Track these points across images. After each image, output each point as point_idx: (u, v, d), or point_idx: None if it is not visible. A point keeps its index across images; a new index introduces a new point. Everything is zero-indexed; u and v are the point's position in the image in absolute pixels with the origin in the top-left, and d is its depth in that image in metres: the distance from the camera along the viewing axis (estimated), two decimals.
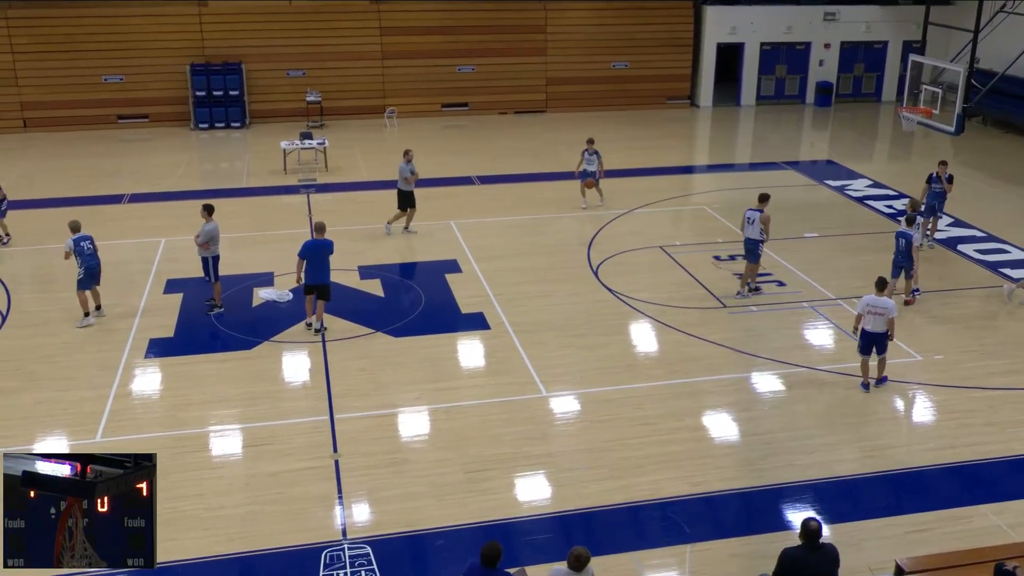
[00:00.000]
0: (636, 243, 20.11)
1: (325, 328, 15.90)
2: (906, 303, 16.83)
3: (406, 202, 20.48)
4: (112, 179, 25.38)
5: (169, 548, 10.41)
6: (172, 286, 17.79)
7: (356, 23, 32.62)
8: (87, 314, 16.08)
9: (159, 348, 15.35)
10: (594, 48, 34.56)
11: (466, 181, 25.52)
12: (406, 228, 20.71)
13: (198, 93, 31.48)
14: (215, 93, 31.52)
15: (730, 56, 35.93)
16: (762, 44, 35.54)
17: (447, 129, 32.31)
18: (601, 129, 31.05)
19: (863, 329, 13.66)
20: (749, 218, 16.90)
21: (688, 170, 28.25)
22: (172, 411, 13.46)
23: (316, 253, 15.54)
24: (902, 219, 17.87)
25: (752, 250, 17.01)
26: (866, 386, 13.95)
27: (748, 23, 35.08)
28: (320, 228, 15.78)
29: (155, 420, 13.23)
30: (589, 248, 19.87)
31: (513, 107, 34.60)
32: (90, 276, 16.02)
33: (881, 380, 14.07)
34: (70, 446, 12.52)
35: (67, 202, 23.23)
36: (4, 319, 16.34)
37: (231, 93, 31.63)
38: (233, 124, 31.91)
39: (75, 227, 16.15)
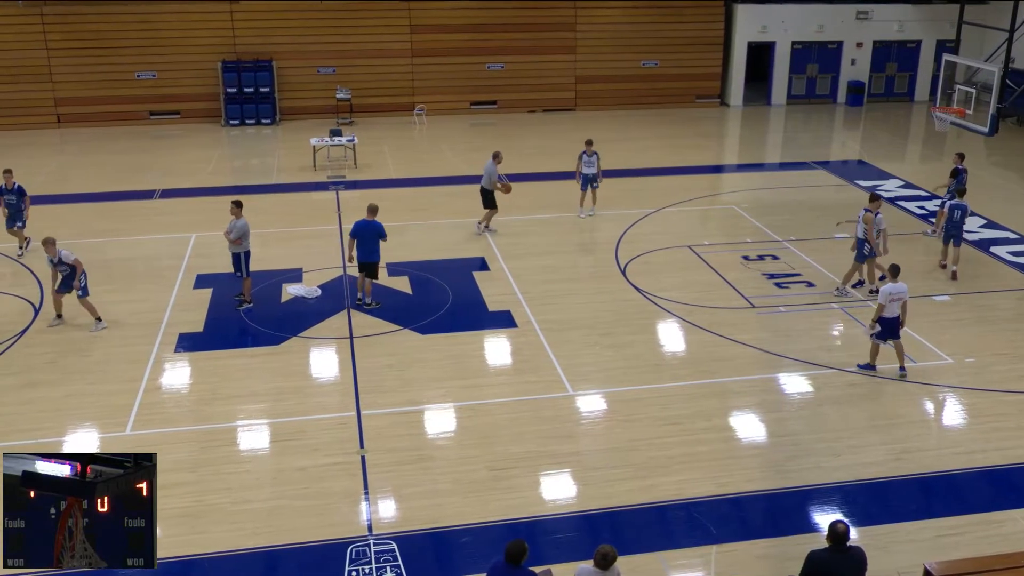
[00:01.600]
0: (664, 242, 20.03)
1: (375, 304, 16.48)
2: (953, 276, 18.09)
3: (488, 201, 20.53)
4: (144, 175, 25.62)
5: (196, 541, 10.52)
6: (202, 281, 17.93)
7: (386, 21, 32.73)
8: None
9: (188, 343, 15.47)
10: (624, 46, 34.48)
11: None
12: (486, 227, 20.75)
13: (229, 90, 31.71)
14: (246, 90, 31.74)
15: (761, 55, 35.73)
16: (793, 43, 35.32)
17: (475, 127, 32.35)
18: (630, 127, 31.07)
19: (883, 317, 13.98)
20: (858, 217, 17.05)
21: (717, 169, 28.11)
22: (201, 405, 13.57)
23: (365, 233, 16.31)
24: (953, 192, 19.10)
25: (859, 249, 17.03)
26: (869, 366, 14.49)
27: (779, 21, 34.86)
28: (372, 210, 16.49)
29: (184, 414, 13.35)
30: (617, 247, 19.82)
31: (542, 105, 34.57)
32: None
33: (902, 369, 14.37)
34: (100, 439, 12.66)
35: (100, 197, 23.50)
36: (36, 313, 16.53)
37: (262, 90, 31.84)
38: (264, 121, 32.11)
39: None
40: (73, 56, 31.08)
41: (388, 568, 10.14)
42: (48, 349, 15.21)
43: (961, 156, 20.49)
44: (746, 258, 19.17)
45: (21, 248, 19.07)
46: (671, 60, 34.91)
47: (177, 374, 14.53)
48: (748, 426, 13.16)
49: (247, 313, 16.54)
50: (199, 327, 16.07)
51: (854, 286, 17.48)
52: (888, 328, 14.08)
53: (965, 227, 18.49)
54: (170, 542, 10.50)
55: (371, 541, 10.55)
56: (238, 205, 16.50)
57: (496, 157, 20.48)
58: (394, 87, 33.43)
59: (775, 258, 19.21)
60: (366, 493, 11.43)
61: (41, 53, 30.84)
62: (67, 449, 12.37)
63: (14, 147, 28.79)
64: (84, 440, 12.63)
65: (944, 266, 18.49)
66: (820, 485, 11.67)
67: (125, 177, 25.45)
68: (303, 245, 19.93)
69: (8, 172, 17.28)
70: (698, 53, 35.09)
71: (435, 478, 11.74)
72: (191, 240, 20.16)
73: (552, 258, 19.41)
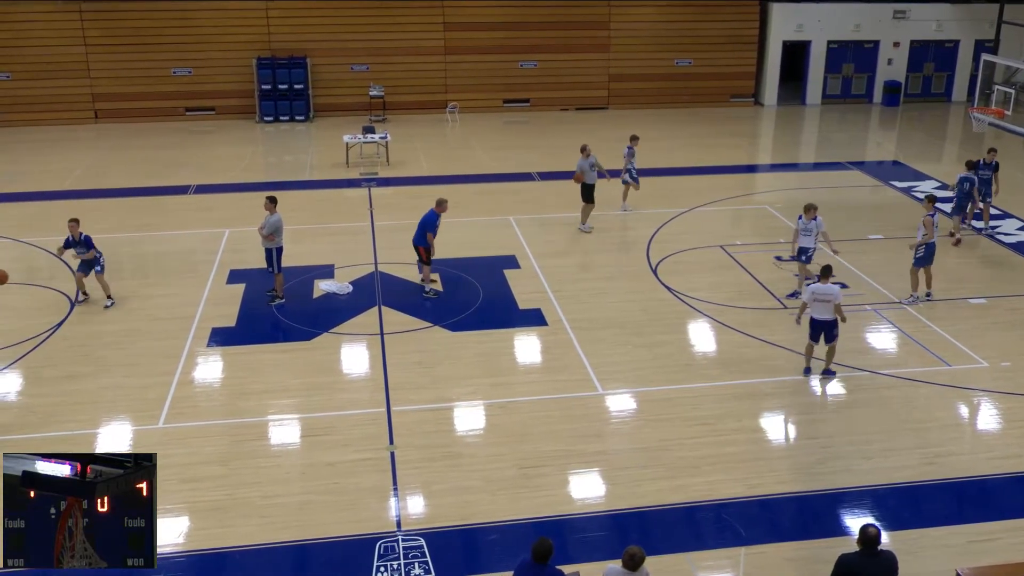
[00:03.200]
0: (696, 242, 19.94)
1: (428, 290, 17.09)
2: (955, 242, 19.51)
3: (586, 195, 20.61)
4: (178, 170, 25.88)
5: (226, 535, 10.62)
6: (235, 276, 18.08)
7: (420, 18, 32.84)
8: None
9: (221, 337, 15.61)
10: (658, 45, 34.37)
11: (526, 177, 25.55)
12: (582, 224, 20.85)
13: (264, 86, 31.95)
14: (280, 87, 31.97)
15: (796, 54, 35.46)
16: (829, 42, 35.03)
17: (508, 125, 32.37)
18: (663, 126, 30.97)
19: (812, 317, 13.96)
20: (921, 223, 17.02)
21: (751, 169, 27.94)
22: (232, 399, 13.69)
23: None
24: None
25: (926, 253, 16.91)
26: (808, 371, 14.31)
27: (815, 20, 34.59)
28: (439, 203, 17.06)
29: (216, 408, 13.47)
30: (648, 246, 19.76)
31: (575, 103, 34.53)
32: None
33: (828, 372, 14.29)
34: (133, 432, 12.80)
35: (135, 192, 23.76)
36: (73, 306, 16.75)
37: (296, 87, 32.05)
38: (297, 117, 32.33)
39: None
40: (111, 52, 31.46)
41: (416, 564, 10.17)
42: (84, 342, 15.41)
43: (993, 151, 20.72)
44: (779, 258, 19.04)
45: (81, 295, 17.07)
46: (705, 59, 34.74)
47: (209, 368, 14.67)
48: (778, 428, 13.10)
49: (279, 308, 16.67)
50: (232, 322, 16.20)
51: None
52: (815, 329, 14.00)
53: (997, 228, 18.35)
54: (201, 535, 10.62)
55: (399, 537, 10.60)
56: (272, 201, 16.61)
57: (584, 151, 20.69)
58: (427, 84, 33.53)
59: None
60: (395, 489, 11.48)
61: (79, 49, 31.24)
62: (102, 441, 12.54)
63: (52, 142, 29.23)
64: (118, 432, 12.77)
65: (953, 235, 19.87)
66: (851, 488, 11.58)
67: (160, 172, 25.72)
68: (335, 241, 20.05)
69: (74, 222, 16.48)
70: (732, 52, 34.90)
71: (464, 475, 11.77)
72: (225, 235, 20.33)
73: (583, 257, 19.39)
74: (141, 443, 12.48)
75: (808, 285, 14.40)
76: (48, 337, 15.52)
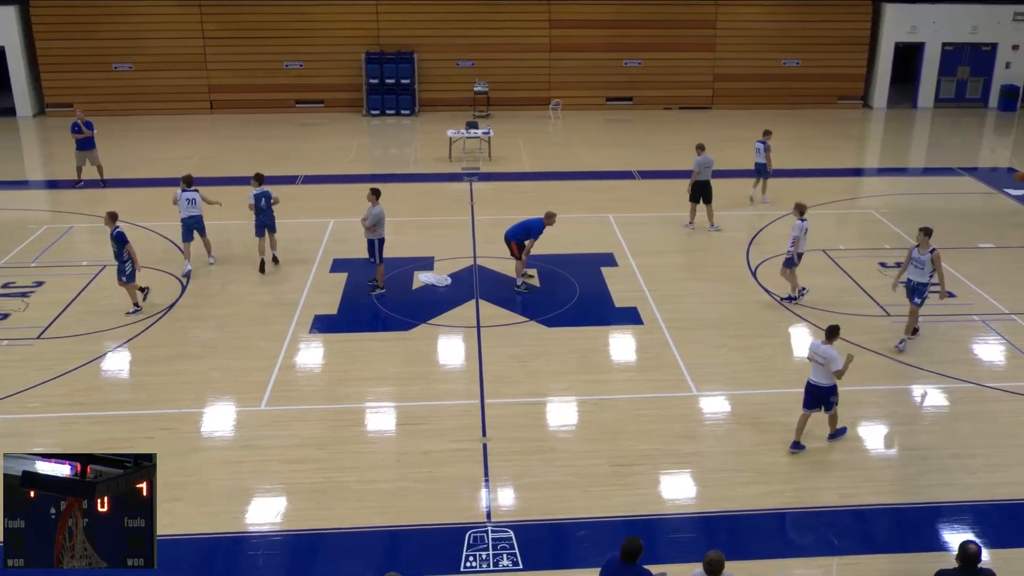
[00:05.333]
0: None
1: (520, 284, 17.26)
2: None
3: (699, 193, 20.59)
4: (287, 161, 26.58)
5: (323, 516, 10.93)
6: (338, 265, 18.52)
7: (526, 15, 33.02)
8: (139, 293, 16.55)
9: (323, 324, 16.02)
10: (765, 45, 33.86)
11: (627, 175, 25.49)
12: (710, 224, 20.79)
13: (371, 81, 32.58)
14: (387, 81, 32.56)
15: (908, 56, 34.48)
16: (944, 44, 33.98)
17: (610, 123, 32.31)
18: (768, 127, 30.42)
19: (808, 381, 12.22)
20: None
21: (857, 172, 27.31)
22: (332, 385, 14.05)
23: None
24: None
25: None
26: (797, 446, 12.23)
27: (930, 22, 33.59)
28: (548, 216, 17.12)
29: (316, 393, 13.84)
30: (749, 248, 19.53)
31: (678, 103, 34.27)
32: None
33: (835, 435, 12.52)
34: (237, 413, 13.25)
35: (246, 181, 24.42)
36: (184, 289, 17.39)
37: (403, 81, 32.59)
38: (403, 112, 32.86)
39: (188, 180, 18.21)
40: (227, 46, 32.50)
41: (505, 555, 10.31)
42: (193, 324, 16.00)
43: None
44: (883, 265, 18.61)
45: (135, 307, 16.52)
46: (813, 60, 34.07)
47: (311, 354, 15.07)
48: (877, 437, 12.82)
49: (379, 298, 17.01)
50: (333, 310, 16.61)
51: None
52: (810, 395, 12.18)
53: None
54: (299, 516, 10.96)
55: (489, 528, 10.74)
56: (375, 193, 16.95)
57: (699, 149, 20.55)
58: (531, 81, 33.70)
59: None
60: (487, 480, 11.64)
61: (198, 43, 32.35)
62: (207, 421, 13.03)
63: (170, 131, 30.35)
64: (222, 413, 13.25)
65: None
66: (951, 502, 11.29)
67: (270, 162, 26.39)
68: (436, 234, 20.35)
69: (110, 215, 16.27)
70: (842, 53, 34.13)
71: (555, 470, 11.85)
72: (329, 225, 20.83)
73: (681, 257, 19.28)
74: (244, 424, 12.93)
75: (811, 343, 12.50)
76: (160, 319, 16.16)
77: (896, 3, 33.56)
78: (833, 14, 33.66)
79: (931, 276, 14.80)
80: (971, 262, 18.72)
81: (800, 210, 16.56)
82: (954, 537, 10.48)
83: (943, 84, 34.58)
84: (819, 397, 12.11)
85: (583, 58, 33.50)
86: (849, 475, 11.80)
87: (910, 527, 10.95)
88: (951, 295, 17.18)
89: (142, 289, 16.65)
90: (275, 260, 18.52)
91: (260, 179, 18.46)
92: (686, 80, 34.10)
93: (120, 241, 15.95)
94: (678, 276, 18.18)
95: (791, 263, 16.53)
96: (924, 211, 22.43)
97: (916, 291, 14.95)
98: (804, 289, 16.96)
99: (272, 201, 18.12)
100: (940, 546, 10.53)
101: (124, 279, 16.18)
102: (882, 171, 27.76)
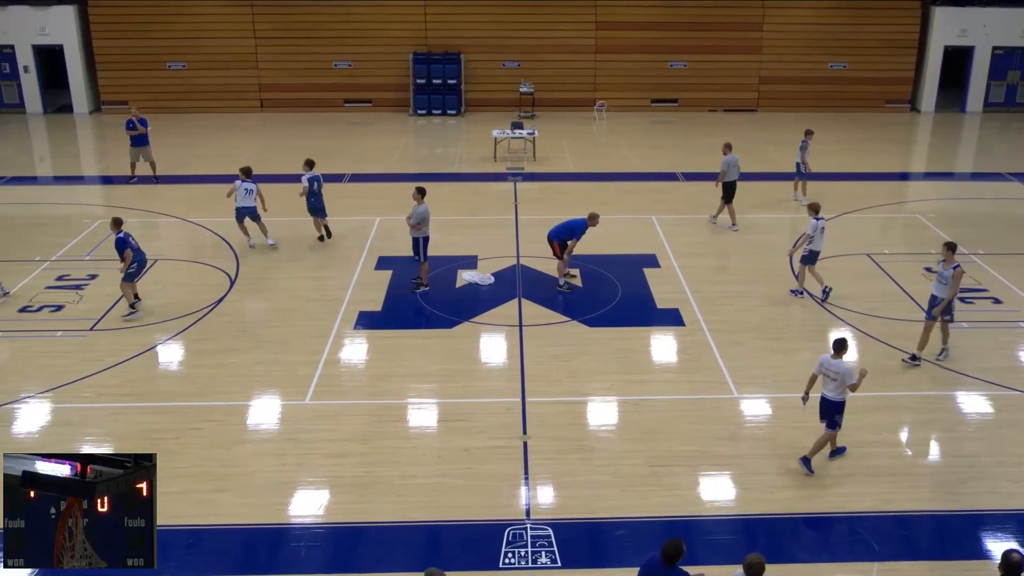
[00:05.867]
0: (842, 249, 19.48)
1: (562, 283, 17.43)
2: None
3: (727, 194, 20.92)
4: (335, 159, 26.88)
5: (364, 510, 11.10)
6: (383, 263, 18.73)
7: (572, 17, 33.08)
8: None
9: (367, 320, 16.23)
10: (812, 48, 33.61)
11: (671, 177, 25.47)
12: (731, 224, 21.03)
13: (418, 81, 32.85)
14: (434, 81, 32.81)
15: (958, 59, 34.02)
16: (994, 48, 33.45)
17: (655, 124, 32.27)
18: (815, 130, 30.14)
19: (821, 395, 11.86)
20: None
21: (903, 176, 27.05)
22: (375, 381, 14.24)
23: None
24: None
25: None
26: (806, 462, 11.85)
27: (980, 25, 33.10)
28: (592, 217, 17.23)
29: (359, 388, 14.05)
30: (792, 251, 19.40)
31: (723, 105, 34.14)
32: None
33: (805, 460, 11.87)
34: (282, 406, 13.48)
35: (294, 179, 24.73)
36: (232, 283, 17.71)
37: (449, 82, 32.81)
38: (449, 112, 33.09)
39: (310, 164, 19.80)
40: (277, 45, 32.96)
41: (543, 553, 10.40)
42: (240, 318, 16.29)
43: None
44: (929, 269, 18.41)
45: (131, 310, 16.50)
46: (861, 63, 33.75)
47: (355, 350, 15.28)
48: (920, 443, 12.74)
49: (423, 296, 17.19)
50: (378, 306, 16.81)
51: None
52: (822, 408, 11.84)
53: None
54: (341, 509, 11.14)
55: (528, 525, 10.83)
56: (420, 192, 17.13)
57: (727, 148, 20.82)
58: (576, 82, 33.77)
59: None
60: (526, 478, 11.74)
61: (249, 42, 32.84)
62: (253, 413, 13.28)
63: (222, 128, 30.87)
64: (267, 406, 13.49)
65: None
66: (995, 511, 11.18)
67: (318, 160, 26.47)
68: (480, 233, 20.49)
69: (114, 221, 16.39)
70: (890, 56, 33.77)
71: (595, 469, 11.93)
72: (375, 223, 21.06)
73: (724, 259, 19.24)
74: (289, 417, 13.16)
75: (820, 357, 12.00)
76: (208, 312, 16.47)
77: (946, 6, 33.13)
78: (881, 17, 33.32)
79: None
80: (1019, 268, 18.48)
81: (814, 209, 16.85)
82: (997, 546, 10.39)
83: (993, 88, 34.06)
84: (828, 413, 11.76)
85: (629, 60, 33.49)
86: (891, 481, 11.73)
87: (952, 534, 10.87)
88: (997, 301, 17.00)
89: (136, 297, 16.48)
90: (328, 233, 19.93)
91: (311, 164, 19.71)
92: (731, 82, 33.96)
93: (119, 247, 15.95)
94: (721, 278, 18.15)
95: (807, 260, 16.84)
96: (972, 216, 22.20)
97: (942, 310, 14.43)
98: (828, 288, 17.03)
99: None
100: (983, 554, 10.46)
101: (124, 278, 16.14)
102: (929, 175, 27.48)
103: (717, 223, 21.15)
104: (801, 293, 17.14)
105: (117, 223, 16.31)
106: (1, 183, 24.84)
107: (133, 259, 16.05)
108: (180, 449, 12.25)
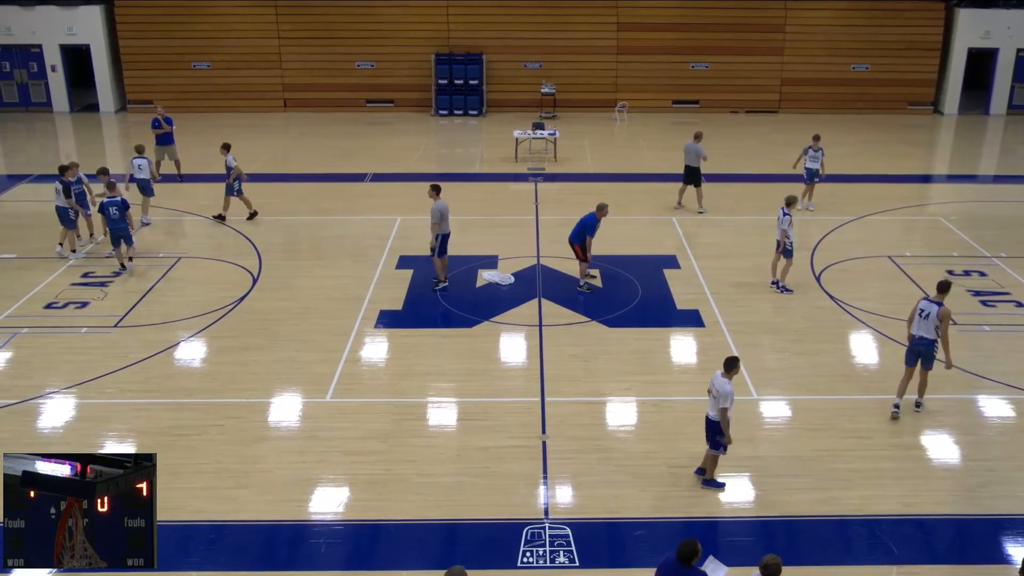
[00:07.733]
0: (863, 251, 19.42)
1: (582, 284, 17.41)
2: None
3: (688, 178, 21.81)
4: (357, 158, 27.04)
5: (383, 508, 11.17)
6: (404, 262, 18.82)
7: (594, 18, 33.09)
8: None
9: (388, 319, 16.31)
10: (834, 49, 33.47)
11: None
12: (699, 207, 21.91)
13: (440, 81, 32.95)
14: (456, 82, 32.90)
15: (982, 61, 33.78)
16: (1019, 50, 33.18)
17: (676, 125, 32.20)
18: (836, 132, 30.12)
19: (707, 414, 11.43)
20: None
21: (926, 179, 26.88)
22: (395, 380, 14.31)
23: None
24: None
25: None
26: (709, 483, 11.53)
27: (1005, 27, 32.84)
28: (600, 208, 17.23)
29: (379, 387, 14.12)
30: (813, 253, 19.38)
31: (745, 106, 34.05)
32: None
33: (711, 482, 11.55)
34: (302, 404, 13.57)
35: (316, 178, 24.99)
36: (255, 282, 17.84)
37: (471, 82, 32.90)
38: (471, 112, 33.17)
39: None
40: (301, 45, 33.15)
41: (561, 552, 10.43)
42: (262, 316, 16.40)
43: None
44: (951, 272, 18.33)
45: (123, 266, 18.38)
46: (883, 64, 33.56)
47: (375, 348, 15.36)
48: (940, 447, 12.67)
49: (443, 295, 17.25)
50: (398, 305, 16.90)
51: None
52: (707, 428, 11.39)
53: None
54: (359, 506, 11.22)
55: (547, 524, 10.87)
56: (435, 189, 17.12)
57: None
58: (598, 83, 33.77)
59: (982, 274, 18.27)
60: (545, 478, 11.77)
61: (273, 42, 33.05)
62: (274, 411, 13.38)
63: (245, 127, 31.03)
64: (288, 403, 13.58)
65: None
66: (1016, 515, 11.12)
67: (340, 160, 26.96)
68: (500, 233, 20.55)
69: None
70: (913, 58, 33.57)
71: (613, 469, 11.95)
72: (396, 222, 21.16)
73: (745, 260, 19.19)
74: (309, 415, 13.26)
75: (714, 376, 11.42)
76: (231, 310, 16.61)
77: (970, 8, 32.91)
78: (905, 18, 33.13)
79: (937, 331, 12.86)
80: None
81: (787, 203, 17.25)
82: (1018, 550, 10.34)
83: (1017, 90, 33.77)
84: (710, 432, 11.36)
85: (650, 61, 33.47)
86: (911, 484, 11.69)
87: (972, 539, 10.83)
88: (1020, 305, 16.88)
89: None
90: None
91: (227, 147, 21.15)
92: (753, 84, 33.87)
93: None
94: (741, 280, 18.11)
95: (789, 254, 17.19)
96: (994, 218, 22.05)
97: (921, 354, 13.06)
98: (785, 287, 17.43)
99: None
100: (1003, 559, 10.40)
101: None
102: (952, 178, 27.30)
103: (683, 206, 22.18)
104: (777, 284, 17.51)
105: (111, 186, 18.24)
106: (28, 181, 25.12)
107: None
108: (202, 445, 12.38)
